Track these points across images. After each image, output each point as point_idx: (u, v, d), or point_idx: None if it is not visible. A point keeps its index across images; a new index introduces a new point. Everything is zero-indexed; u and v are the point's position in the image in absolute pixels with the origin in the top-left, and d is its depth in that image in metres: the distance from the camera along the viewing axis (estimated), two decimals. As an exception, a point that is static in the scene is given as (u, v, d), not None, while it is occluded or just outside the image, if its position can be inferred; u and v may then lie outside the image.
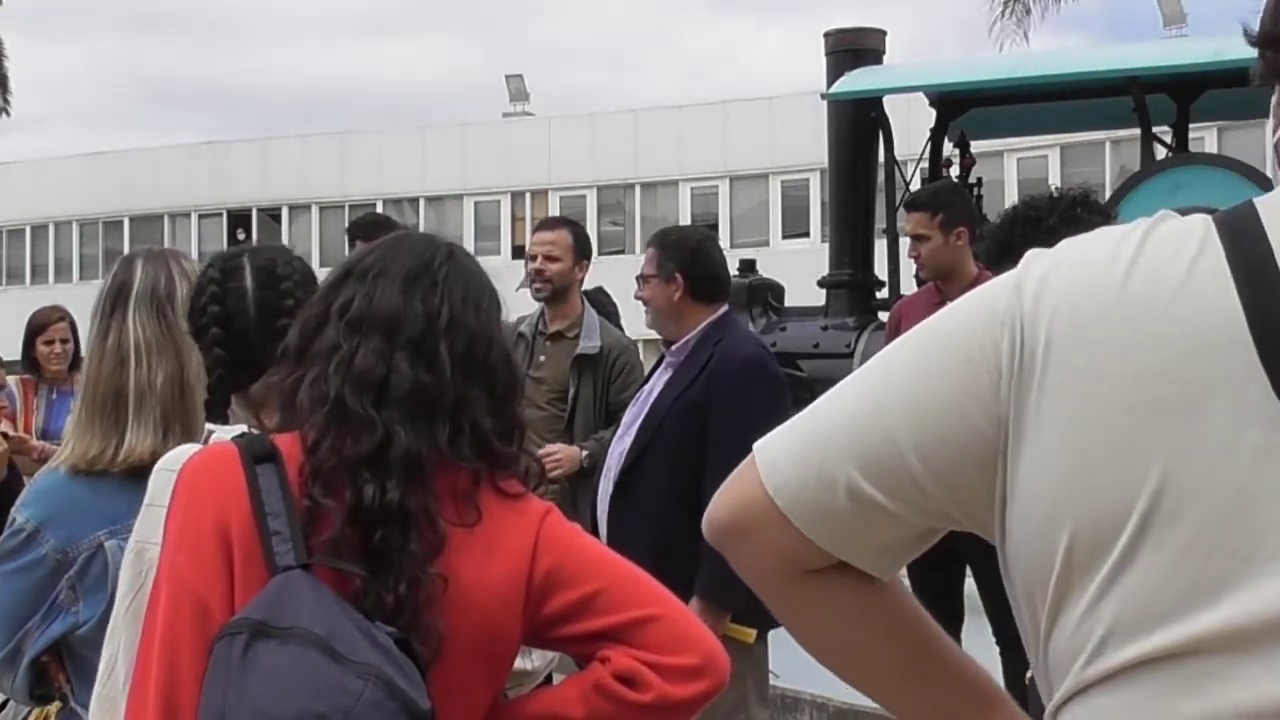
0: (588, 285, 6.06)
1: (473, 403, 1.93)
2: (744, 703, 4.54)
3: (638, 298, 4.92)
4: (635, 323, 5.44)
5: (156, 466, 2.21)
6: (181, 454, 2.21)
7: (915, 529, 1.28)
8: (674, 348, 4.78)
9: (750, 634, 4.59)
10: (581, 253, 5.80)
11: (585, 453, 5.41)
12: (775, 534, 1.28)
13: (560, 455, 5.35)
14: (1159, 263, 1.17)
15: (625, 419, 4.85)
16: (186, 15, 66.15)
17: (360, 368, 1.90)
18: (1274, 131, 1.24)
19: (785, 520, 1.27)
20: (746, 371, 4.68)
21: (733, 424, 4.49)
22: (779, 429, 1.32)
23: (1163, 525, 1.13)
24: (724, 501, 1.33)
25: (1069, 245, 1.23)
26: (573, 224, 6.18)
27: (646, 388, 4.88)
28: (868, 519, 1.26)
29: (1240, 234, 1.15)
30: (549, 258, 5.68)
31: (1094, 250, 1.21)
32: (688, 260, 4.83)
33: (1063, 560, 1.17)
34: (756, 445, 1.32)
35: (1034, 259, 1.23)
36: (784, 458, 1.29)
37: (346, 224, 6.82)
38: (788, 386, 4.91)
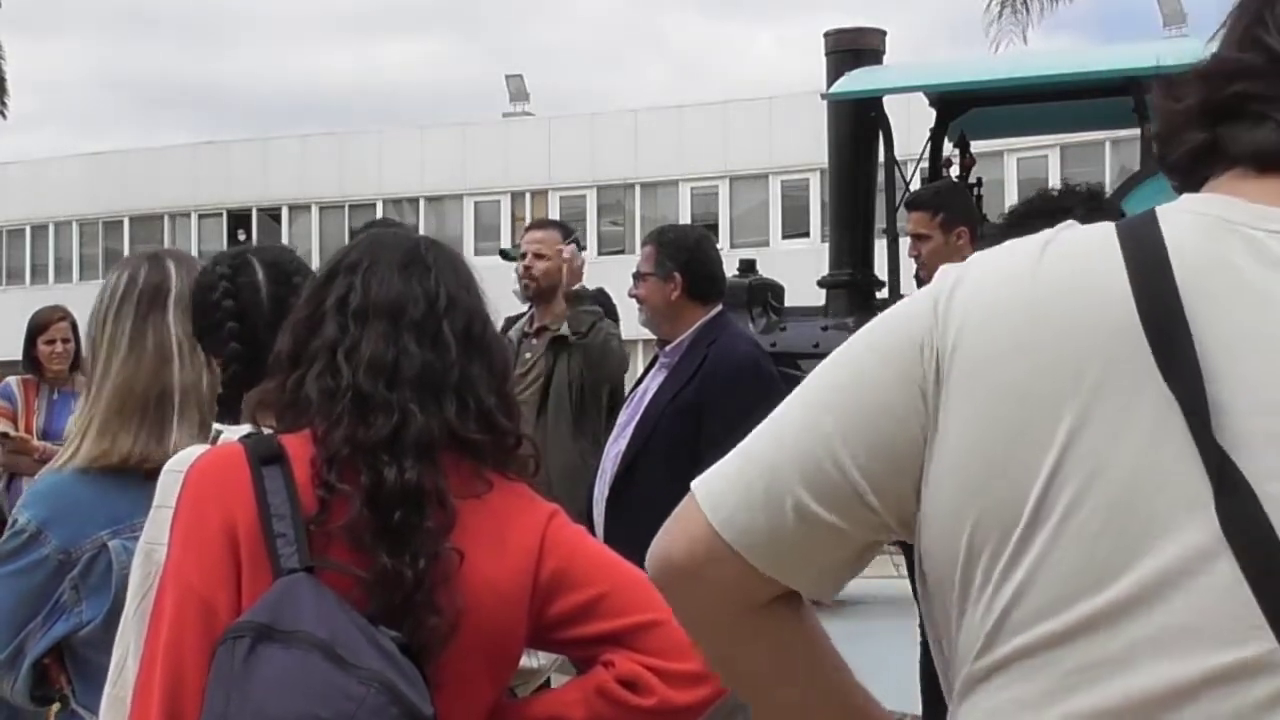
0: (589, 286, 6.04)
1: (475, 380, 1.95)
2: (745, 703, 4.53)
3: (632, 295, 4.88)
4: (635, 323, 5.43)
5: (165, 468, 2.21)
6: (189, 455, 2.20)
7: (857, 545, 1.30)
8: (669, 348, 4.75)
9: None
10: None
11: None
12: (724, 569, 1.29)
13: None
14: (1060, 266, 1.22)
15: (620, 420, 4.83)
16: (179, 14, 66.20)
17: (371, 353, 1.91)
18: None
19: (733, 552, 1.28)
20: (741, 371, 4.67)
21: (728, 424, 4.47)
22: (715, 465, 1.33)
23: (1055, 510, 1.16)
24: (670, 543, 1.33)
25: (978, 258, 1.28)
26: (563, 225, 6.18)
27: (641, 388, 4.84)
28: (814, 538, 1.27)
29: (1138, 236, 1.21)
30: (537, 255, 5.68)
31: (999, 261, 1.26)
32: (686, 259, 4.80)
33: (965, 553, 1.20)
34: (694, 483, 1.33)
35: (945, 273, 1.28)
36: (727, 490, 1.30)
37: (347, 224, 6.79)
38: (782, 386, 4.90)
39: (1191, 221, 1.21)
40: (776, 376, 4.90)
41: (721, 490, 1.31)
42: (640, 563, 2.02)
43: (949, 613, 1.24)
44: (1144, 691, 1.12)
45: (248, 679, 1.70)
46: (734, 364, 4.67)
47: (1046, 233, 1.26)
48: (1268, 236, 1.17)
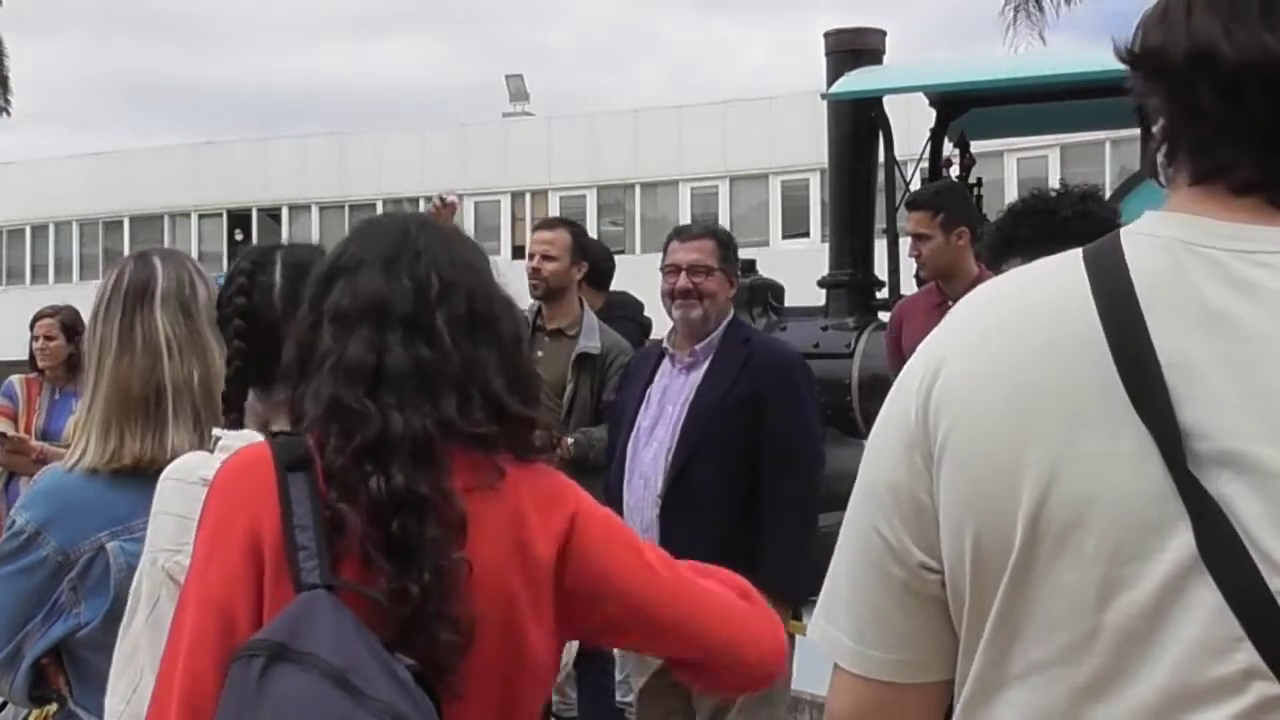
0: (612, 287, 6.04)
1: (481, 363, 1.87)
2: (770, 699, 4.54)
3: (699, 286, 4.66)
4: (657, 324, 5.40)
5: (163, 475, 2.20)
6: (186, 463, 2.19)
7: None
8: (698, 347, 4.67)
9: (804, 627, 4.55)
10: (580, 253, 5.83)
11: (571, 440, 5.38)
12: (893, 710, 1.37)
13: None
14: (1028, 296, 1.30)
15: (642, 424, 4.70)
16: (179, 15, 66.18)
17: (350, 361, 1.85)
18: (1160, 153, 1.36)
19: (880, 686, 1.36)
20: (793, 367, 4.74)
21: (792, 419, 4.55)
22: (824, 623, 1.40)
23: (1050, 534, 1.22)
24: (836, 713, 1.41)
25: (952, 333, 1.33)
26: (573, 224, 6.20)
27: (655, 389, 4.72)
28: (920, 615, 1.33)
29: (1103, 261, 1.26)
30: (546, 257, 5.72)
31: (971, 349, 1.31)
32: (735, 261, 4.84)
33: (971, 571, 1.27)
34: (836, 658, 1.38)
35: (919, 363, 1.34)
36: (849, 632, 1.37)
37: (346, 224, 6.81)
38: None
39: (1151, 244, 1.25)
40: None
41: (843, 640, 1.37)
42: (703, 559, 1.99)
43: (965, 625, 1.31)
44: (1144, 703, 1.19)
45: (260, 700, 1.64)
46: (781, 360, 4.73)
47: (1016, 283, 1.32)
48: (1230, 256, 1.21)
